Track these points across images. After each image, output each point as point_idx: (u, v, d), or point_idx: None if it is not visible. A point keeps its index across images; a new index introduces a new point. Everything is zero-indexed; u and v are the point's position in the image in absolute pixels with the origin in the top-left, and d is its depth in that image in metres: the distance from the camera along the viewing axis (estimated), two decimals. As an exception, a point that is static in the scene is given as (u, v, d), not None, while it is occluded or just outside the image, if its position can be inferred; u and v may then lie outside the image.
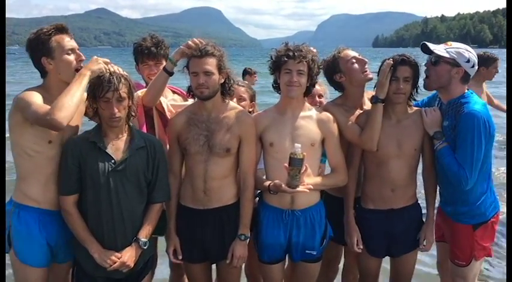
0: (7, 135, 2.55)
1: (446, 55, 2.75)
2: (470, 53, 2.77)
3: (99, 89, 2.43)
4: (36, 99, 2.40)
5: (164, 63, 3.05)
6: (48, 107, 2.36)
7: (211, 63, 2.65)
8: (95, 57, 2.51)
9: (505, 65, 4.63)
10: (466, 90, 2.82)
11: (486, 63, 5.12)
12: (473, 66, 2.78)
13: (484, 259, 3.01)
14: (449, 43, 2.83)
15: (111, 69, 2.48)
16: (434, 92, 3.02)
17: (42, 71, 2.56)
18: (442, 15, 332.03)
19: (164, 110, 3.03)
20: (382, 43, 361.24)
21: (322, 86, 3.28)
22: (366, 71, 2.93)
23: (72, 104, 2.35)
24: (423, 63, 2.87)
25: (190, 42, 2.72)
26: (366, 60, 2.96)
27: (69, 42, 2.52)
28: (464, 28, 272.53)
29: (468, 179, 2.70)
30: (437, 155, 2.80)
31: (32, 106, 2.37)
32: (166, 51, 3.18)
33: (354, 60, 2.93)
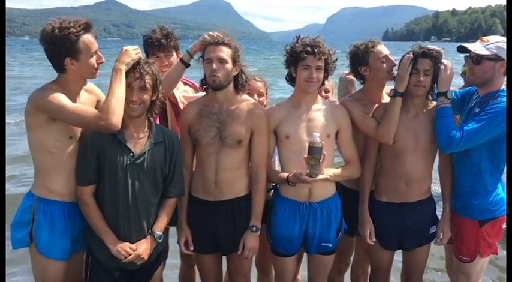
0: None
1: (487, 53, 2.73)
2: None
3: (126, 75, 2.45)
4: (67, 101, 2.39)
5: (175, 54, 3.09)
6: (95, 110, 2.40)
7: (226, 52, 2.66)
8: (124, 48, 2.51)
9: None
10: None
11: None
12: None
13: (489, 257, 2.98)
14: (485, 39, 2.81)
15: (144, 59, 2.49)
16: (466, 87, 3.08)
17: (61, 68, 2.46)
18: (453, 9, 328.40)
19: (177, 101, 3.03)
20: (392, 37, 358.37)
21: (329, 81, 3.26)
22: (392, 71, 2.93)
23: (120, 105, 2.39)
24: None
25: (210, 33, 2.75)
26: (395, 63, 2.94)
27: (93, 44, 2.47)
28: (475, 22, 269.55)
29: (458, 144, 2.67)
30: (438, 110, 2.78)
31: (68, 110, 2.36)
32: (176, 43, 3.17)
33: (385, 60, 2.93)
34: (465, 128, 2.68)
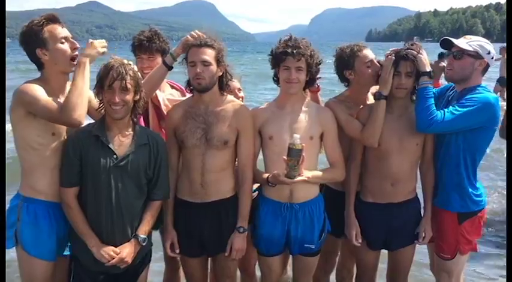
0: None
1: (470, 48, 2.78)
2: (489, 45, 2.83)
3: (106, 78, 2.42)
4: (42, 94, 2.39)
5: (158, 57, 3.08)
6: (60, 104, 2.38)
7: (209, 54, 2.64)
8: (90, 40, 2.52)
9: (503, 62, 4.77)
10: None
11: None
12: (492, 58, 2.84)
13: (469, 254, 3.02)
14: (468, 37, 2.88)
15: (117, 59, 2.47)
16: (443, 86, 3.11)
17: (38, 63, 2.51)
18: (435, 10, 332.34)
19: (160, 104, 3.02)
20: (375, 37, 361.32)
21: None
22: (376, 76, 2.91)
23: (83, 100, 2.39)
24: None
25: (192, 33, 2.72)
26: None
27: (61, 31, 2.49)
28: (456, 22, 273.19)
29: (439, 125, 2.68)
30: (420, 89, 2.78)
31: (40, 102, 2.37)
32: (161, 45, 3.15)
33: (370, 65, 2.93)
34: (446, 111, 2.70)
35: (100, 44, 2.53)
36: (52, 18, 2.49)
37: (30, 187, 2.53)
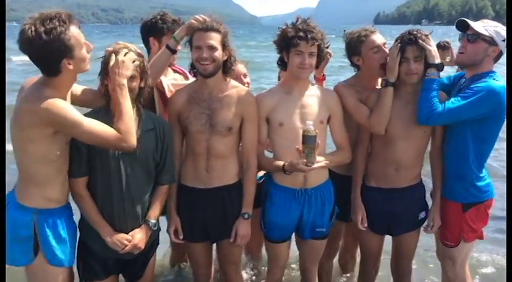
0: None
1: (486, 33, 2.71)
2: (505, 32, 2.75)
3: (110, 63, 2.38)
4: (81, 116, 2.26)
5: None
6: (113, 131, 2.30)
7: (215, 38, 2.60)
8: (121, 59, 2.38)
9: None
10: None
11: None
12: None
13: (475, 242, 2.99)
14: (485, 21, 2.81)
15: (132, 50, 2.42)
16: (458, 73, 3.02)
17: (56, 70, 2.23)
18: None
19: (164, 89, 2.98)
20: (383, 20, 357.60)
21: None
22: (384, 62, 2.84)
23: (133, 122, 2.39)
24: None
25: (197, 17, 2.66)
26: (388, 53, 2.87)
27: (81, 34, 2.30)
28: (466, 5, 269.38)
29: (438, 118, 2.67)
30: (425, 81, 2.74)
31: (85, 127, 2.24)
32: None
33: (377, 50, 2.88)
34: (447, 103, 2.67)
35: (130, 60, 2.40)
36: (70, 18, 2.25)
37: (45, 198, 2.41)
